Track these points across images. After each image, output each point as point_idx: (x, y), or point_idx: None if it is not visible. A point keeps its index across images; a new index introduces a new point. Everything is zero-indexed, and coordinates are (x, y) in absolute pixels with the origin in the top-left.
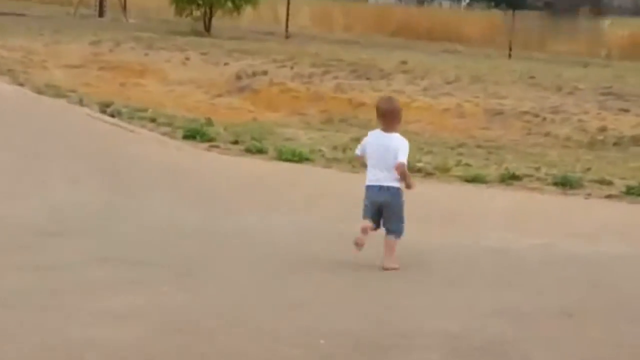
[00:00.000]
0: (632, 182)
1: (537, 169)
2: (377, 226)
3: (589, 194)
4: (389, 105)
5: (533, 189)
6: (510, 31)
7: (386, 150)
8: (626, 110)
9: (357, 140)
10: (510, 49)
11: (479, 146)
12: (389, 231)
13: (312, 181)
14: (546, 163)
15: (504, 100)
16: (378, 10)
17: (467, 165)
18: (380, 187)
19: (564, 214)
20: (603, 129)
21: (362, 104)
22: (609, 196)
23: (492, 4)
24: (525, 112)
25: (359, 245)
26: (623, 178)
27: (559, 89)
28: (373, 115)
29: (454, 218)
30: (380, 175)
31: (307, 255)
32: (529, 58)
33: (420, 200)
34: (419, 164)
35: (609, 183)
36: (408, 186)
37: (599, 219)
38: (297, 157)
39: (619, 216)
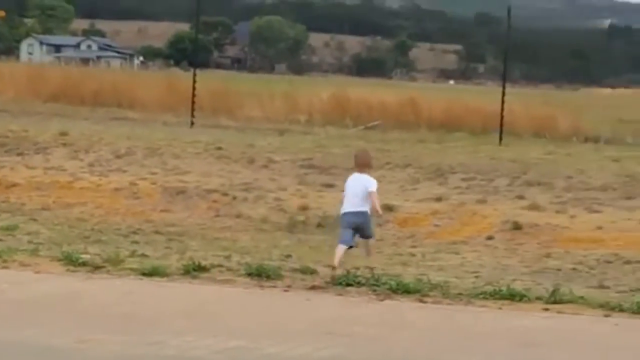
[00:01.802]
0: (339, 271)
1: (228, 257)
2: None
3: (289, 286)
4: (363, 156)
5: (223, 282)
6: (192, 94)
7: (361, 185)
8: (330, 185)
9: (8, 228)
10: (193, 115)
11: (157, 232)
12: (366, 237)
13: None
14: (238, 250)
15: (187, 176)
16: (31, 71)
17: (144, 255)
18: (356, 212)
19: (261, 310)
20: (304, 208)
21: (14, 185)
22: (312, 287)
23: (171, 61)
24: (212, 190)
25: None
26: (329, 265)
27: (251, 161)
28: (27, 197)
29: (127, 322)
30: (355, 203)
31: None
32: (216, 126)
33: (84, 300)
34: (85, 257)
35: (313, 272)
36: (377, 212)
37: (302, 315)
38: None
39: (326, 311)
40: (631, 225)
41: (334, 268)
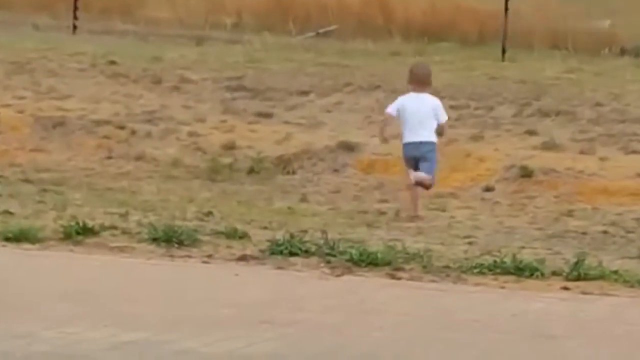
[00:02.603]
0: (280, 234)
1: (125, 215)
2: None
3: (210, 255)
4: (423, 71)
5: (118, 250)
6: None
7: (426, 108)
8: (266, 115)
9: None
10: (76, 17)
11: (26, 180)
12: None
13: None
14: (139, 206)
15: (67, 102)
16: None
17: (8, 213)
18: (421, 143)
19: (171, 289)
20: (230, 147)
21: None
22: (242, 257)
23: None
24: (103, 122)
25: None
26: (265, 227)
27: (157, 81)
28: None
29: None
30: (419, 131)
31: None
32: (107, 31)
33: None
34: None
35: (243, 236)
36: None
37: (229, 296)
38: None
39: (261, 291)
40: None
41: (416, 217)
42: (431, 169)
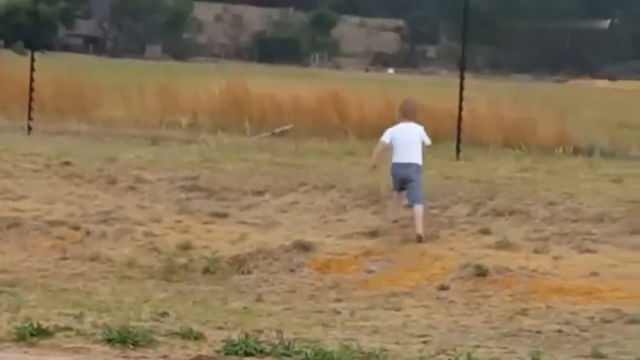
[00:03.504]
0: (235, 334)
1: (79, 316)
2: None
3: (166, 356)
4: (412, 104)
5: (73, 351)
6: (30, 87)
7: (414, 135)
8: (222, 215)
9: None
10: (30, 117)
11: None
12: (413, 201)
13: None
14: (94, 306)
15: (21, 202)
16: None
17: None
18: (408, 164)
19: None
20: (186, 247)
21: None
22: (198, 358)
23: (1, 41)
24: (58, 222)
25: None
26: (221, 327)
27: (112, 182)
28: None
29: None
30: (407, 154)
31: None
32: (62, 132)
33: None
34: None
35: (198, 337)
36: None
37: None
38: None
39: None
40: (637, 271)
41: (395, 221)
42: (418, 194)
